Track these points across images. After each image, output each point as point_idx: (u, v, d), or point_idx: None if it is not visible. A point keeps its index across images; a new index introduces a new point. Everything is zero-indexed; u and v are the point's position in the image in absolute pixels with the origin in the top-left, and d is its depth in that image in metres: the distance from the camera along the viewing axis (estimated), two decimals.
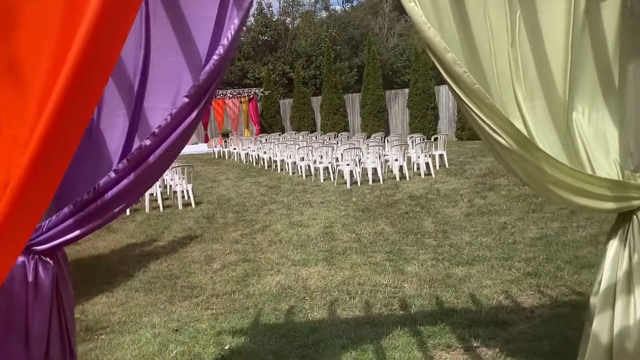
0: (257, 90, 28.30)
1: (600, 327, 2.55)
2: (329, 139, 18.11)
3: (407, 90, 24.50)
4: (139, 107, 2.53)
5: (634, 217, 2.47)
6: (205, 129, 28.35)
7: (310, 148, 14.01)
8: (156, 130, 2.27)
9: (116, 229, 8.82)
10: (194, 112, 2.31)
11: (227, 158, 20.63)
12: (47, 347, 2.29)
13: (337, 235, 7.60)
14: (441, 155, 14.02)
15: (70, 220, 2.28)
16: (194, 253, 7.10)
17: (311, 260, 6.49)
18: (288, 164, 14.76)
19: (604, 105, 2.57)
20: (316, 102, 27.40)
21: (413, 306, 4.90)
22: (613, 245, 2.56)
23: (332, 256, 6.61)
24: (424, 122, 23.29)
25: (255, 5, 40.30)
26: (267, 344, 4.24)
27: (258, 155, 17.44)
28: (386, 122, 24.95)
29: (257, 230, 8.22)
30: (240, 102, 27.82)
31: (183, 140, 2.38)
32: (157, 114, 2.49)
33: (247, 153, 18.47)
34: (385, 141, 15.62)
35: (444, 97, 23.62)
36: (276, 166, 15.63)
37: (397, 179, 12.35)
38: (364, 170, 12.63)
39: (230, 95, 27.77)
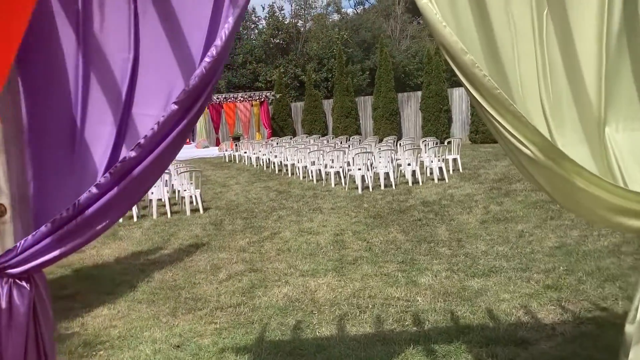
0: (268, 94, 28.18)
1: (637, 359, 2.29)
2: (340, 143, 17.88)
3: (419, 93, 24.20)
4: (127, 115, 2.31)
5: None
6: (217, 133, 28.27)
7: (321, 152, 13.77)
8: (142, 141, 2.05)
9: (122, 236, 8.65)
10: (185, 120, 2.08)
11: (237, 162, 20.48)
12: None
13: (347, 244, 7.35)
14: (455, 160, 13.73)
15: (48, 240, 2.07)
16: (200, 262, 6.90)
17: (320, 270, 6.25)
18: (298, 168, 14.55)
19: None
20: (328, 105, 27.20)
21: (427, 322, 4.64)
22: None
23: (342, 266, 6.37)
24: (437, 125, 22.97)
25: (267, 9, 40.27)
26: None
27: (269, 159, 17.25)
28: (398, 125, 24.67)
29: (266, 237, 8.00)
30: (252, 105, 27.69)
31: (172, 150, 2.16)
32: (147, 121, 2.26)
33: (258, 157, 18.29)
34: (398, 145, 15.35)
35: (457, 100, 23.30)
36: (287, 170, 15.42)
37: (410, 183, 12.08)
38: (376, 174, 12.38)
39: (242, 99, 27.67)
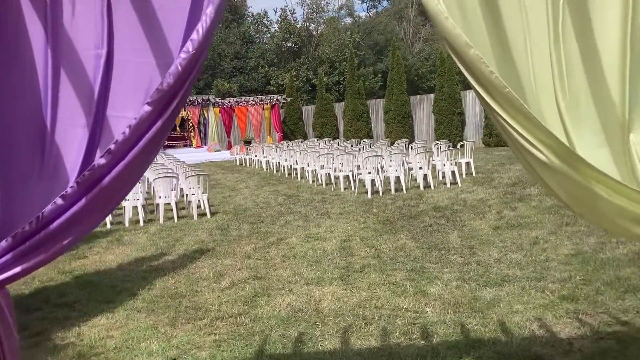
0: (279, 97, 28.07)
1: None
2: (351, 146, 17.66)
3: (432, 95, 23.89)
4: (101, 116, 2.12)
5: None
6: (229, 136, 28.20)
7: (330, 155, 13.56)
8: (112, 146, 1.85)
9: (127, 241, 8.50)
10: (159, 122, 1.88)
11: (248, 165, 20.33)
12: None
13: (355, 250, 7.12)
14: (468, 163, 13.44)
15: (9, 256, 1.88)
16: (203, 269, 6.71)
17: (326, 278, 6.03)
18: (308, 172, 14.35)
19: None
20: (339, 108, 27.01)
21: (435, 335, 4.40)
22: None
23: (348, 274, 6.14)
24: (450, 128, 22.65)
25: (279, 12, 40.19)
26: None
27: (278, 162, 17.08)
28: (411, 129, 24.39)
29: (272, 243, 7.79)
30: (263, 108, 27.59)
31: (146, 156, 1.96)
32: (123, 124, 2.05)
33: (268, 160, 18.12)
34: (409, 148, 15.09)
35: (471, 103, 22.95)
36: (296, 174, 15.23)
37: (421, 188, 11.82)
38: (386, 179, 12.14)
39: (253, 102, 27.58)
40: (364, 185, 11.68)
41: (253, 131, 27.87)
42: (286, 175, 15.87)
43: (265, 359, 4.17)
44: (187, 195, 11.01)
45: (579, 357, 3.88)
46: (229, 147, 27.01)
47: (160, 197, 10.17)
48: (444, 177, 12.35)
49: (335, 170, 13.07)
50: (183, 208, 11.12)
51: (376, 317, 4.84)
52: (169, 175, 10.64)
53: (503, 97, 1.95)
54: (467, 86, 22.34)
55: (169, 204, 10.24)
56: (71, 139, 2.13)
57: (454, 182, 12.10)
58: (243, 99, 28.45)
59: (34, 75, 2.09)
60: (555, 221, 7.96)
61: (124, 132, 1.84)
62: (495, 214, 8.75)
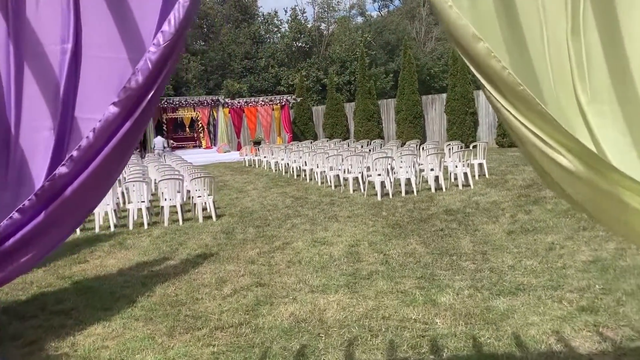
0: (289, 97, 27.88)
1: None
2: (361, 147, 17.41)
3: (444, 95, 23.55)
4: (69, 118, 1.90)
5: None
6: (238, 137, 28.06)
7: (339, 157, 13.31)
8: (74, 153, 1.64)
9: (129, 245, 8.32)
10: (127, 124, 1.66)
11: (257, 166, 20.15)
12: None
13: (362, 256, 6.88)
14: (480, 165, 13.13)
15: None
16: (205, 275, 6.50)
17: (331, 286, 5.79)
18: (316, 174, 14.11)
19: None
20: (349, 108, 26.75)
21: (446, 349, 4.15)
22: None
23: (355, 281, 5.90)
24: (462, 128, 22.30)
25: (289, 12, 39.99)
26: None
27: (287, 163, 16.87)
28: (422, 129, 24.06)
29: (277, 248, 7.57)
30: (273, 109, 27.42)
31: (115, 163, 1.74)
32: (92, 127, 1.85)
33: (277, 162, 17.92)
34: (420, 149, 14.80)
35: (484, 102, 22.57)
36: (305, 175, 15.00)
37: (433, 190, 11.54)
38: (397, 180, 11.86)
39: (262, 103, 27.42)
40: (374, 187, 11.42)
41: (263, 132, 27.71)
42: (295, 177, 15.65)
43: None
44: (192, 197, 10.83)
45: None
46: (239, 147, 26.87)
47: (165, 199, 9.99)
48: (456, 178, 12.06)
49: (344, 172, 12.82)
50: (189, 210, 10.93)
51: (383, 329, 4.59)
52: (174, 177, 10.45)
53: (517, 96, 1.71)
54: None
55: (174, 206, 10.06)
56: (36, 144, 1.91)
57: (466, 184, 11.81)
58: (252, 99, 28.30)
59: None
60: (571, 225, 7.65)
61: (87, 137, 1.62)
62: (509, 218, 8.45)
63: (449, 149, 13.67)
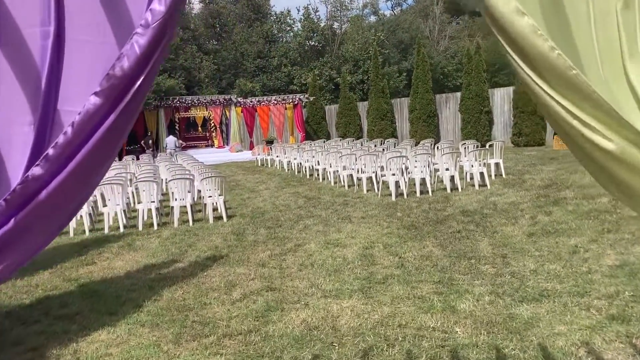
0: (301, 96, 27.67)
1: None
2: (375, 146, 17.14)
3: (458, 94, 23.19)
4: (51, 112, 1.68)
5: None
6: (251, 136, 27.90)
7: (352, 156, 13.05)
8: (50, 152, 1.42)
9: (138, 246, 8.15)
10: (111, 118, 1.44)
11: (270, 166, 19.96)
12: None
13: (377, 259, 6.62)
14: (497, 164, 12.81)
15: None
16: (214, 278, 6.29)
17: (345, 290, 5.55)
18: (330, 173, 13.88)
19: None
20: (363, 107, 26.48)
21: None
22: None
23: (369, 286, 5.65)
24: (477, 127, 21.94)
25: (302, 11, 39.80)
26: None
27: (299, 163, 16.65)
28: (436, 128, 23.73)
29: (289, 250, 7.34)
30: (285, 108, 27.23)
31: (98, 162, 1.52)
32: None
33: (289, 161, 17.71)
34: (435, 148, 14.50)
35: (499, 101, 22.21)
36: (318, 175, 14.77)
37: (448, 190, 11.25)
38: (411, 180, 11.58)
39: (275, 102, 27.24)
40: (388, 187, 11.16)
41: (275, 131, 27.53)
42: (308, 177, 15.43)
43: None
44: (203, 197, 10.64)
45: None
46: (251, 147, 26.71)
47: (175, 200, 9.81)
48: (472, 178, 11.76)
49: (357, 172, 12.57)
50: (200, 210, 10.76)
51: (400, 338, 4.34)
52: (184, 176, 10.27)
53: (567, 82, 1.45)
54: (495, 84, 21.58)
55: (185, 206, 9.88)
56: (15, 140, 1.69)
57: (482, 184, 11.50)
58: (265, 98, 28.12)
59: None
60: (595, 227, 7.34)
61: (64, 132, 1.40)
62: (529, 219, 8.15)
63: (465, 148, 13.37)
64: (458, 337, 4.29)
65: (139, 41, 1.39)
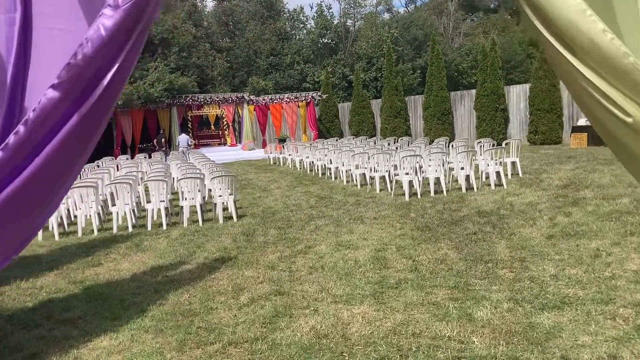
0: (314, 94, 27.46)
1: None
2: (388, 144, 16.88)
3: (473, 91, 22.82)
4: (18, 106, 1.48)
5: None
6: (263, 135, 27.74)
7: (365, 155, 12.81)
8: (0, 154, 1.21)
9: (146, 247, 7.99)
10: (75, 118, 1.23)
11: (282, 164, 19.78)
12: None
13: (389, 262, 6.39)
14: (513, 163, 12.49)
15: None
16: (222, 281, 6.10)
17: (356, 295, 5.33)
18: (342, 172, 13.65)
19: None
20: (376, 105, 26.20)
21: None
22: None
23: (382, 290, 5.42)
24: (492, 125, 21.56)
25: (315, 8, 39.54)
26: None
27: (312, 162, 16.44)
28: (451, 126, 23.39)
29: (299, 252, 7.13)
30: (298, 106, 27.03)
31: (62, 169, 1.31)
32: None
33: (302, 160, 17.51)
34: (450, 147, 14.20)
35: (515, 98, 21.81)
36: (330, 174, 14.55)
37: (463, 190, 10.96)
38: (425, 180, 11.32)
39: (288, 100, 27.07)
40: (401, 187, 10.91)
41: (288, 129, 27.35)
42: (320, 175, 15.22)
43: None
44: (213, 196, 10.47)
45: None
46: (264, 145, 26.56)
47: (185, 199, 9.65)
48: (487, 178, 11.46)
49: (370, 171, 12.33)
50: (210, 210, 10.58)
51: (413, 348, 4.11)
52: (194, 175, 10.10)
53: (619, 71, 1.22)
54: (511, 81, 21.16)
55: (194, 206, 9.71)
56: None
57: (498, 184, 11.20)
58: (278, 96, 27.95)
59: None
60: (617, 229, 7.04)
61: (16, 132, 1.20)
62: (548, 221, 7.86)
63: (480, 147, 13.06)
64: (475, 348, 4.05)
65: (105, 23, 1.18)
